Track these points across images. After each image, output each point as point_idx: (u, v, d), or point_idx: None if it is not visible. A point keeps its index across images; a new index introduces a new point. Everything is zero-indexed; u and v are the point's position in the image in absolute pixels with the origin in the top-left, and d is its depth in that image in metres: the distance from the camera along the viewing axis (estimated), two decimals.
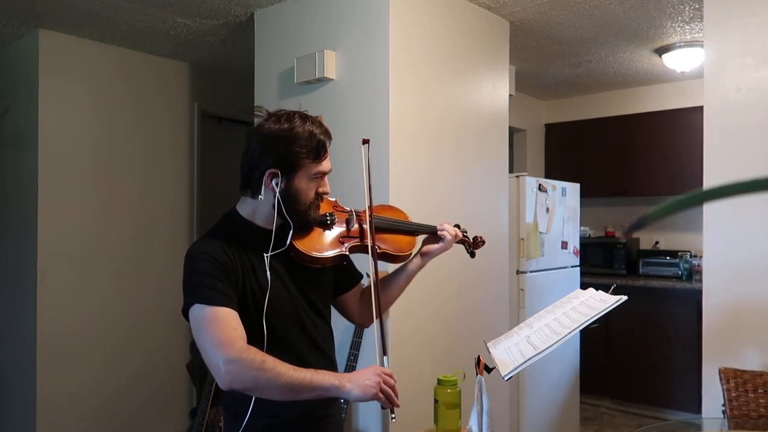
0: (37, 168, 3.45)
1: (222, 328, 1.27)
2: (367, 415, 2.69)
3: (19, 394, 3.57)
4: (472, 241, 1.83)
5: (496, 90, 3.30)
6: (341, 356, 2.70)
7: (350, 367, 2.53)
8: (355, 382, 1.30)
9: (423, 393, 2.46)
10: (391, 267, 1.70)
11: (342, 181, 2.44)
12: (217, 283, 1.32)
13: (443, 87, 2.95)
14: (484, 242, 1.85)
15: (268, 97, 3.13)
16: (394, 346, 2.63)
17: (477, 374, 1.43)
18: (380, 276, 1.69)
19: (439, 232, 1.67)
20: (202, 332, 1.29)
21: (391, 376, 1.36)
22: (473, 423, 1.42)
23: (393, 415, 1.39)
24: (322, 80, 2.86)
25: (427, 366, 2.76)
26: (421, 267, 1.70)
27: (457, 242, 1.75)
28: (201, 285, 1.32)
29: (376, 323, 1.49)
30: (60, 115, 3.54)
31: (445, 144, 2.94)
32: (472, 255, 1.85)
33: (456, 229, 1.72)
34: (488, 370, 1.45)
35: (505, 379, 1.36)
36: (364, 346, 2.60)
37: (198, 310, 1.30)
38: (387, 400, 1.33)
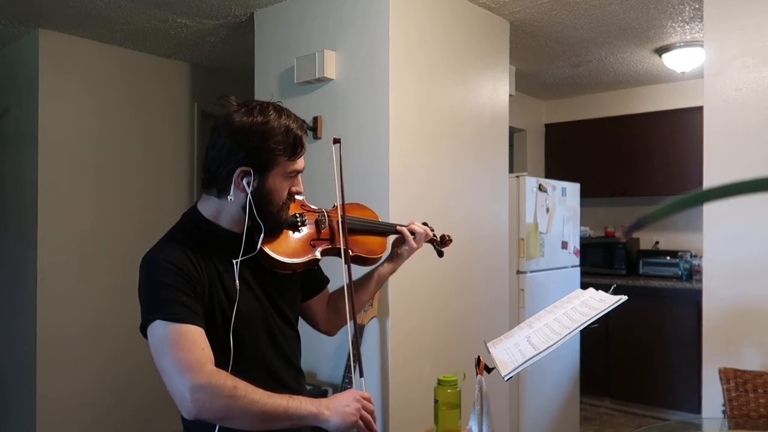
0: (37, 168, 3.45)
1: (189, 350, 1.14)
2: None
3: (19, 394, 3.57)
4: (439, 240, 1.78)
5: (496, 90, 3.30)
6: (341, 357, 2.70)
7: (349, 367, 2.52)
8: (334, 410, 1.20)
9: (423, 393, 2.46)
10: (361, 269, 1.63)
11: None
12: (181, 296, 1.19)
13: (443, 87, 2.95)
14: (451, 240, 1.80)
15: (268, 98, 3.12)
16: (395, 346, 2.63)
17: (477, 374, 1.43)
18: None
19: (409, 228, 1.61)
20: (165, 353, 1.16)
21: (370, 400, 1.28)
22: (473, 423, 1.42)
23: None
24: (322, 80, 2.86)
25: (427, 366, 2.76)
26: (393, 271, 1.64)
27: (426, 241, 1.69)
28: (163, 299, 1.20)
29: (350, 342, 1.39)
30: (60, 115, 3.54)
31: (445, 144, 2.94)
32: (440, 254, 1.80)
33: (425, 227, 1.66)
34: (488, 370, 1.45)
35: (505, 379, 1.36)
36: (364, 346, 2.60)
37: (161, 328, 1.17)
38: (366, 427, 1.25)
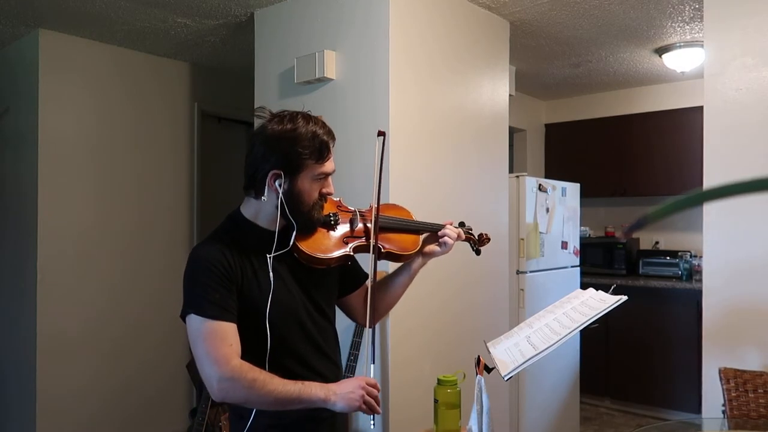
0: (37, 168, 3.45)
1: (218, 346, 1.30)
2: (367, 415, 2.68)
3: (20, 393, 3.57)
4: (477, 238, 1.81)
5: (496, 90, 3.30)
6: (342, 356, 2.70)
7: (350, 366, 2.53)
8: (340, 396, 1.35)
9: (423, 393, 2.46)
10: (394, 266, 1.69)
11: (344, 180, 2.43)
12: (215, 294, 1.33)
13: (443, 87, 2.95)
14: (489, 239, 1.83)
15: (268, 97, 3.13)
16: (394, 346, 2.63)
17: (477, 374, 1.43)
18: (382, 275, 1.68)
19: (442, 237, 1.65)
20: (198, 345, 1.32)
21: (375, 386, 1.40)
22: (473, 423, 1.42)
23: (372, 422, 1.44)
24: (322, 80, 2.86)
25: (427, 366, 2.76)
26: (423, 265, 1.69)
27: (463, 240, 1.73)
28: (199, 296, 1.33)
29: (367, 330, 1.48)
30: (60, 115, 3.54)
31: (445, 144, 2.94)
32: (478, 252, 1.83)
33: (459, 230, 1.70)
34: (488, 370, 1.45)
35: (505, 379, 1.36)
36: (364, 345, 2.60)
37: (195, 322, 1.32)
38: (369, 410, 1.39)
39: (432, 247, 1.66)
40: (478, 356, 1.48)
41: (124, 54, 3.84)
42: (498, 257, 3.28)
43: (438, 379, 1.59)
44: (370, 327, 1.48)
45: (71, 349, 3.54)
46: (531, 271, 3.63)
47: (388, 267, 1.76)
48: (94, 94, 3.70)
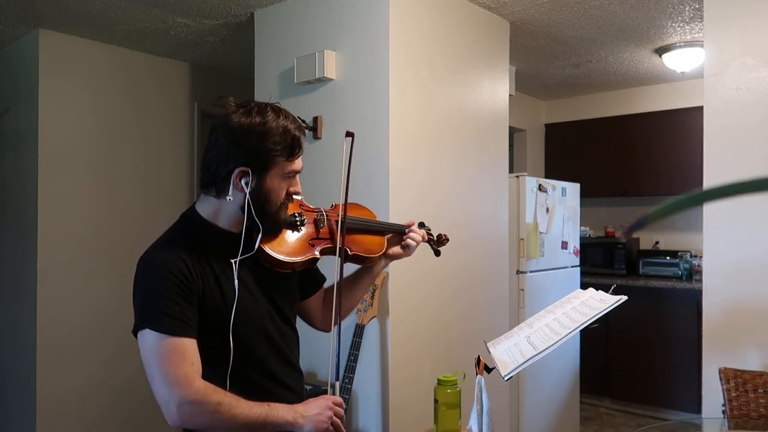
0: (37, 168, 3.45)
1: (178, 364, 1.18)
2: (367, 415, 2.69)
3: (19, 394, 3.57)
4: (436, 239, 1.78)
5: (496, 90, 3.30)
6: (341, 358, 2.70)
7: (350, 367, 2.52)
8: (308, 418, 1.28)
9: (423, 393, 2.47)
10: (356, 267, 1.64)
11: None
12: (174, 307, 1.20)
13: (443, 87, 2.95)
14: (448, 240, 1.81)
15: (268, 98, 3.12)
16: (394, 346, 2.63)
17: (477, 374, 1.43)
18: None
19: (406, 239, 1.61)
20: (154, 364, 1.19)
21: (341, 405, 1.36)
22: (473, 423, 1.42)
23: None
24: (322, 80, 2.86)
25: (427, 366, 2.76)
26: (385, 266, 1.65)
27: (425, 242, 1.70)
28: (156, 309, 1.21)
29: (332, 344, 1.43)
30: (60, 115, 3.54)
31: (445, 144, 2.94)
32: (437, 253, 1.80)
33: (422, 231, 1.67)
34: (488, 370, 1.45)
35: (505, 379, 1.36)
36: (364, 345, 2.60)
37: (151, 338, 1.20)
38: (335, 430, 1.34)
39: (396, 250, 1.62)
40: (478, 356, 1.48)
41: (124, 54, 3.83)
42: (498, 257, 3.28)
43: (438, 379, 1.59)
44: (335, 330, 1.43)
45: (71, 349, 3.54)
46: (531, 271, 3.63)
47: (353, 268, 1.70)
48: (94, 94, 3.70)
